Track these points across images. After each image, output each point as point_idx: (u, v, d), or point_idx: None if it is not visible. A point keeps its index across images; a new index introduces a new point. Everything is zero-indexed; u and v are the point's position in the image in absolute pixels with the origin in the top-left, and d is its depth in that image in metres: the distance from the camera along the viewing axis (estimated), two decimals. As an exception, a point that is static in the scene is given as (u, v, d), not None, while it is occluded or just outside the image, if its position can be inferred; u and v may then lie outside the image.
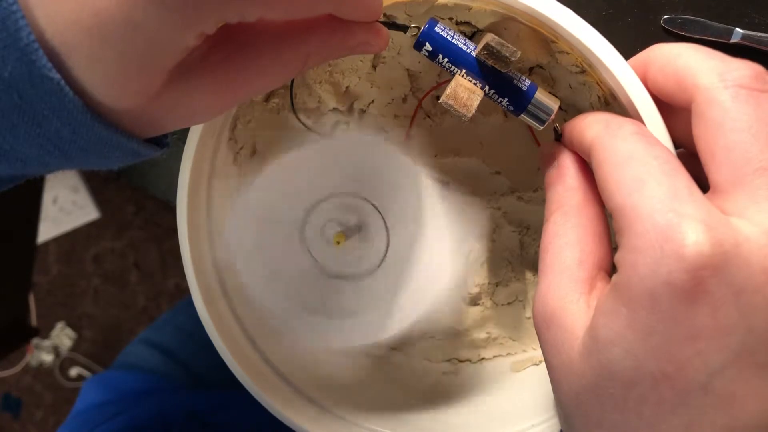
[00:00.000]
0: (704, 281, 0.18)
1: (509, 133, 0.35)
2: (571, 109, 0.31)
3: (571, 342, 0.21)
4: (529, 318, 0.37)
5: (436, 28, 0.25)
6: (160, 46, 0.19)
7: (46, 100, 0.19)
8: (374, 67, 0.33)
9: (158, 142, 0.24)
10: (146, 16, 0.18)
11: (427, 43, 0.25)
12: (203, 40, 0.20)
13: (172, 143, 0.25)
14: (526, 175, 0.36)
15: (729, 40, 0.33)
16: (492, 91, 0.25)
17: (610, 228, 0.23)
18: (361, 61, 0.33)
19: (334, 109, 0.34)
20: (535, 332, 0.37)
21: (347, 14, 0.22)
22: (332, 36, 0.23)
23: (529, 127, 0.31)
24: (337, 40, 0.23)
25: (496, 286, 0.37)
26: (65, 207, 1.43)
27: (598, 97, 0.28)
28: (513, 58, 0.23)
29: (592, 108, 0.29)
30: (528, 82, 0.25)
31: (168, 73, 0.20)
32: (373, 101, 0.34)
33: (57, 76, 0.18)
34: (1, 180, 0.23)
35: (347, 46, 0.24)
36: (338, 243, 0.32)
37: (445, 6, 0.28)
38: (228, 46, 0.22)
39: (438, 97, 0.34)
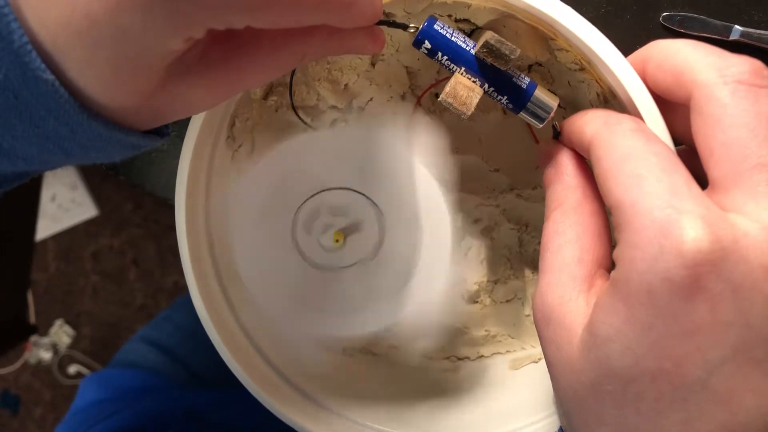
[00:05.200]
0: (702, 277, 0.18)
1: (508, 130, 0.35)
2: (570, 107, 0.31)
3: (570, 339, 0.21)
4: (528, 315, 0.37)
5: (435, 26, 0.25)
6: (149, 50, 0.19)
7: (42, 101, 0.19)
8: (373, 64, 0.33)
9: (158, 131, 0.24)
10: (133, 21, 0.18)
11: (426, 41, 0.25)
12: (198, 41, 0.20)
13: (170, 141, 0.25)
14: (525, 173, 0.36)
15: (728, 37, 0.33)
16: (491, 89, 0.25)
17: (609, 225, 0.23)
18: (360, 58, 0.33)
19: (333, 107, 0.34)
20: (534, 330, 0.37)
21: (340, 24, 0.21)
22: (330, 39, 0.23)
23: (528, 125, 0.31)
24: (334, 42, 0.23)
25: (495, 283, 0.37)
26: (63, 204, 1.43)
27: (597, 95, 0.28)
28: (512, 56, 0.23)
29: (592, 105, 0.29)
30: (527, 79, 0.25)
31: (163, 73, 0.20)
32: (371, 99, 0.34)
33: (51, 77, 0.18)
34: (6, 178, 0.23)
35: (344, 48, 0.24)
36: (337, 241, 0.32)
37: (444, 3, 0.28)
38: (226, 44, 0.22)
39: (437, 95, 0.34)
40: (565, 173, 0.24)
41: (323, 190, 0.32)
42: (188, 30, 0.19)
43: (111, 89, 0.20)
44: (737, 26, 0.33)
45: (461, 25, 0.30)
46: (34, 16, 0.18)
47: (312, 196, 0.32)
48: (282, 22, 0.20)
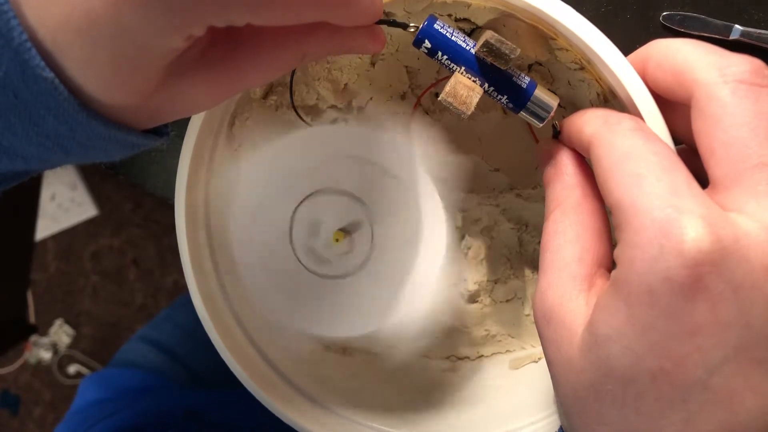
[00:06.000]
0: (703, 277, 0.18)
1: (508, 130, 0.35)
2: (570, 107, 0.31)
3: (570, 338, 0.21)
4: (527, 315, 0.37)
5: (435, 26, 0.25)
6: (150, 48, 0.19)
7: (41, 99, 0.19)
8: (373, 64, 0.33)
9: (158, 131, 0.24)
10: (133, 19, 0.18)
11: (426, 41, 0.25)
12: (197, 39, 0.20)
13: (170, 140, 0.25)
14: (525, 172, 0.36)
15: (728, 37, 0.33)
16: (491, 89, 0.25)
17: (610, 224, 0.23)
18: (360, 58, 0.33)
19: (333, 106, 0.34)
20: (533, 329, 0.37)
21: (340, 22, 0.21)
22: (330, 38, 0.23)
23: (528, 125, 0.31)
24: (335, 41, 0.23)
25: (495, 283, 0.37)
26: (63, 204, 1.43)
27: (598, 94, 0.28)
28: (512, 56, 0.23)
29: (592, 105, 0.29)
30: (527, 79, 0.25)
31: (163, 72, 0.20)
32: (371, 98, 0.34)
33: (50, 75, 0.18)
34: (5, 177, 0.23)
35: (345, 47, 0.24)
36: (337, 240, 0.32)
37: (444, 3, 0.28)
38: (226, 44, 0.22)
39: (437, 95, 0.34)
40: (564, 172, 0.24)
41: (323, 190, 0.32)
42: (188, 28, 0.19)
43: (111, 88, 0.20)
44: (737, 26, 0.33)
45: (461, 25, 0.30)
46: (33, 14, 0.18)
47: (311, 195, 0.32)
48: (282, 19, 0.20)
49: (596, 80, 0.27)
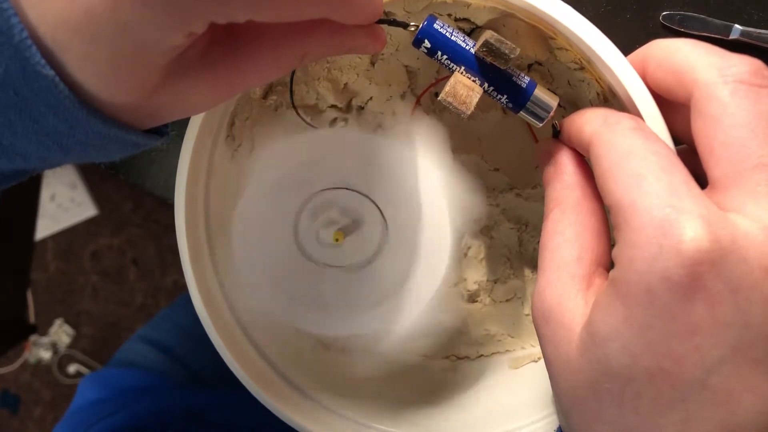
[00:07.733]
0: (701, 277, 0.18)
1: (508, 130, 0.35)
2: (570, 106, 0.31)
3: (569, 338, 0.21)
4: (527, 315, 0.37)
5: (435, 25, 0.25)
6: (150, 46, 0.19)
7: (42, 97, 0.19)
8: (372, 63, 0.33)
9: (158, 131, 0.24)
10: (132, 16, 0.18)
11: (426, 40, 0.25)
12: (198, 38, 0.20)
13: (170, 140, 0.25)
14: (524, 172, 0.36)
15: (728, 36, 0.33)
16: (491, 88, 0.25)
17: (609, 224, 0.23)
18: (360, 58, 0.33)
19: (333, 106, 0.34)
20: (533, 329, 0.37)
21: (341, 19, 0.21)
22: (331, 38, 0.23)
23: (528, 124, 0.31)
24: (335, 41, 0.23)
25: (495, 283, 0.37)
26: (63, 204, 1.43)
27: (597, 94, 0.28)
28: (512, 55, 0.23)
29: (591, 104, 0.29)
30: (527, 79, 0.25)
31: (164, 70, 0.20)
32: (371, 98, 0.34)
33: (51, 72, 0.18)
34: (5, 176, 0.23)
35: (345, 47, 0.24)
36: (337, 240, 0.32)
37: (443, 2, 0.28)
38: (227, 43, 0.22)
39: (437, 94, 0.34)
40: (564, 172, 0.24)
41: (322, 190, 0.32)
42: (188, 25, 0.18)
43: (110, 86, 0.20)
44: (737, 25, 0.33)
45: (461, 24, 0.30)
46: (33, 11, 0.18)
47: (311, 195, 0.32)
48: (283, 16, 0.20)
49: (596, 80, 0.27)
